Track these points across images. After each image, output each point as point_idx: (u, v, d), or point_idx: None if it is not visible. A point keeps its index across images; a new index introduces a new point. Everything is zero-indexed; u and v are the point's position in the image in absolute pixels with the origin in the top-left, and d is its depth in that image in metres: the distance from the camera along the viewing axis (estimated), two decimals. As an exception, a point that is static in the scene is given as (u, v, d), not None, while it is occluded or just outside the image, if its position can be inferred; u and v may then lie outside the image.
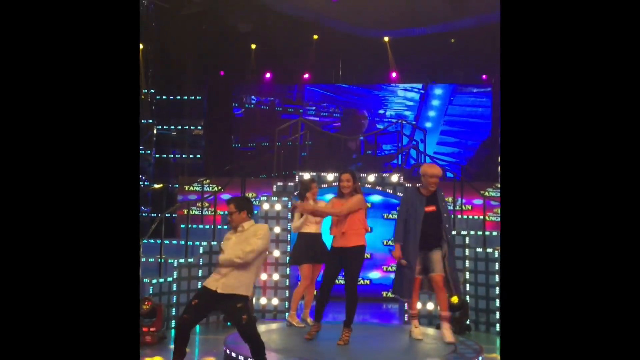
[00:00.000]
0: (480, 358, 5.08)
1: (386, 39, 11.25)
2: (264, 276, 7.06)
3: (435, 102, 11.49)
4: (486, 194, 10.00)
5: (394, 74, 11.90)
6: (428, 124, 11.50)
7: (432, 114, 11.48)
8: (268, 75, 12.37)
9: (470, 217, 9.21)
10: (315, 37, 11.26)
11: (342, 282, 5.54)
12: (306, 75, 12.12)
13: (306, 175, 8.01)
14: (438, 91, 11.61)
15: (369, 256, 8.90)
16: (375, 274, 9.00)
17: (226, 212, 4.76)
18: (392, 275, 8.63)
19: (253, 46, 11.79)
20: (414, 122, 11.30)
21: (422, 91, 11.53)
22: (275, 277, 7.04)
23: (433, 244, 5.31)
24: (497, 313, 7.16)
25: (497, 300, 7.17)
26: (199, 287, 4.73)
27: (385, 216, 8.98)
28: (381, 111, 11.75)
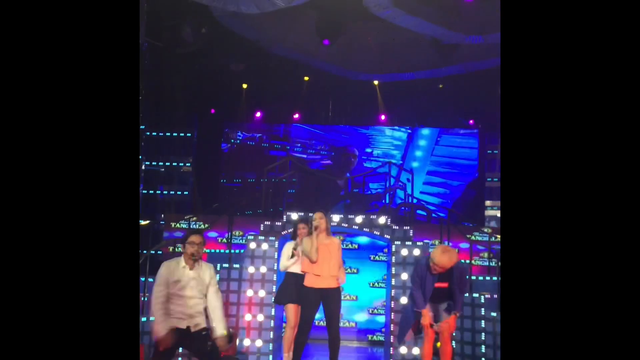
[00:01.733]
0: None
1: (376, 82, 11.47)
2: (248, 317, 6.96)
3: (422, 142, 11.71)
4: (473, 237, 10.04)
5: (382, 117, 12.08)
6: (415, 164, 11.67)
7: (419, 153, 11.67)
8: (258, 114, 12.50)
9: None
10: (306, 78, 11.45)
11: (323, 324, 5.54)
12: (296, 115, 12.27)
13: (294, 216, 8.02)
14: (425, 131, 11.83)
15: (355, 298, 8.82)
16: (361, 317, 8.90)
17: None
18: (378, 318, 8.57)
19: (245, 86, 11.95)
20: (400, 162, 11.41)
21: (409, 131, 11.73)
22: (260, 317, 6.94)
23: (443, 299, 5.22)
24: None
25: (483, 347, 7.11)
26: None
27: (372, 258, 8.95)
28: (369, 150, 11.89)
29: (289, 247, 6.04)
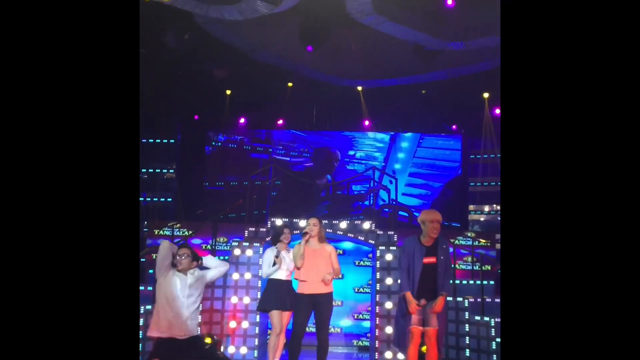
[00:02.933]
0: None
1: (359, 88, 11.52)
2: (232, 324, 6.93)
3: (404, 144, 11.83)
4: (456, 242, 10.12)
5: (366, 122, 12.14)
6: (397, 166, 11.78)
7: (401, 156, 11.79)
8: (242, 120, 12.48)
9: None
10: (290, 84, 11.46)
11: (313, 329, 5.52)
12: (280, 122, 12.27)
13: (278, 221, 8.00)
14: (407, 134, 11.95)
15: (340, 303, 8.82)
16: (346, 322, 8.90)
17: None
18: (364, 323, 8.58)
19: (228, 92, 11.93)
20: (383, 164, 11.49)
21: (391, 133, 11.80)
22: (245, 324, 6.92)
23: (432, 296, 5.07)
24: (468, 363, 7.14)
25: (467, 351, 7.15)
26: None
27: (357, 263, 8.97)
28: (351, 152, 11.96)
29: (270, 253, 6.01)
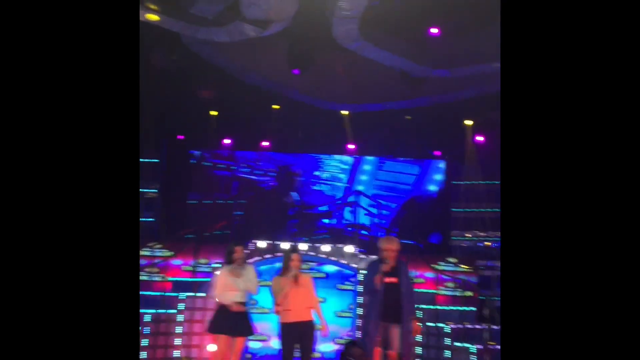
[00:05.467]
0: None
1: (345, 112, 11.61)
2: (212, 347, 6.83)
3: (367, 167, 12.15)
4: (437, 267, 10.13)
5: (352, 146, 12.21)
6: (360, 187, 12.15)
7: (364, 178, 12.09)
8: (228, 141, 12.46)
9: (423, 290, 9.26)
10: (276, 106, 11.50)
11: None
12: (266, 143, 12.28)
13: (263, 243, 7.98)
14: (369, 157, 12.22)
15: (324, 328, 8.73)
16: (327, 347, 8.83)
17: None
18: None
19: (214, 113, 11.93)
20: (347, 185, 11.84)
21: (355, 156, 12.08)
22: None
23: (393, 317, 5.29)
24: (448, 389, 7.11)
25: (448, 376, 7.14)
26: None
27: (340, 287, 8.93)
28: (316, 172, 12.14)
29: (224, 274, 5.70)
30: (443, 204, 11.89)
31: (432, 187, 11.99)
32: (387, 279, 5.37)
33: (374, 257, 7.74)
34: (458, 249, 11.62)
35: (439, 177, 11.87)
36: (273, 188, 12.13)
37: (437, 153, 12.44)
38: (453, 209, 12.02)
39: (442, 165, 12.18)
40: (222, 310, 5.58)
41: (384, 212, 11.85)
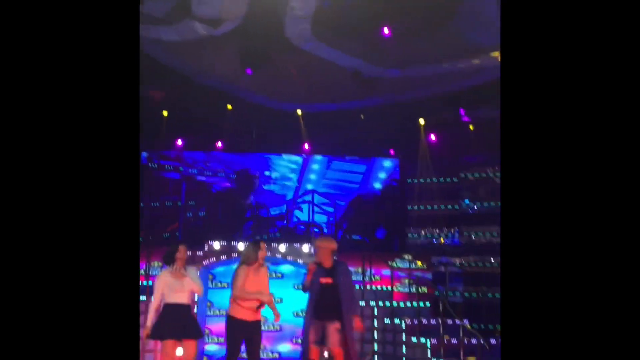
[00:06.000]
0: None
1: (299, 112, 11.60)
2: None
3: (315, 167, 12.34)
4: (394, 265, 10.27)
5: (306, 146, 12.22)
6: (309, 186, 12.31)
7: (312, 177, 12.29)
8: (180, 142, 12.25)
9: (379, 287, 9.37)
10: (229, 106, 11.39)
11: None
12: (219, 144, 12.14)
13: (217, 245, 7.89)
14: (318, 157, 12.41)
15: (278, 328, 8.71)
16: (285, 347, 8.80)
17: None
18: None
19: (165, 113, 11.70)
20: (297, 184, 12.03)
21: (304, 156, 12.23)
22: (179, 351, 6.67)
23: (330, 316, 5.33)
24: (405, 385, 7.20)
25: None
26: None
27: (297, 287, 8.92)
28: (267, 173, 12.25)
29: (166, 276, 5.46)
30: (388, 201, 12.16)
31: (378, 185, 12.32)
32: (324, 279, 5.44)
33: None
34: (413, 246, 11.82)
35: (383, 175, 12.20)
36: (228, 189, 12.01)
37: (391, 152, 12.60)
38: (408, 207, 12.22)
39: (387, 163, 12.46)
40: (167, 314, 5.35)
41: (332, 209, 12.15)
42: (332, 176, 12.31)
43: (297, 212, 11.88)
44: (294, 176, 12.29)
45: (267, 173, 12.27)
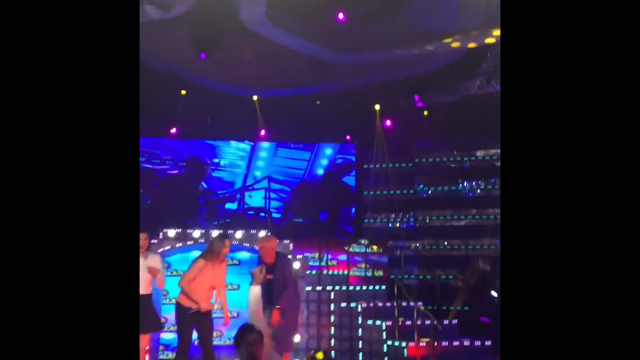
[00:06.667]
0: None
1: (255, 97, 11.51)
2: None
3: (263, 154, 12.49)
4: (350, 249, 10.36)
5: (262, 132, 12.15)
6: (257, 173, 12.47)
7: (260, 164, 12.44)
8: (132, 128, 11.98)
9: (336, 272, 9.45)
10: (183, 92, 11.19)
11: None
12: (173, 130, 11.93)
13: (172, 232, 7.77)
14: (265, 144, 12.54)
15: (235, 315, 8.69)
16: (241, 333, 8.78)
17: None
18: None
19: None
20: (245, 171, 12.26)
21: (251, 143, 12.39)
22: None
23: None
24: (361, 367, 7.33)
25: (361, 354, 7.34)
26: None
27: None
28: (216, 160, 12.26)
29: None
30: (331, 185, 12.44)
31: (320, 171, 12.60)
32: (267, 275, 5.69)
33: None
34: (369, 231, 11.96)
35: (325, 161, 12.56)
36: (178, 177, 11.96)
37: (348, 137, 12.66)
38: (364, 192, 12.34)
39: (328, 151, 12.67)
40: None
41: (279, 195, 12.41)
42: (279, 163, 12.51)
43: (246, 198, 12.17)
44: (242, 163, 12.38)
45: (215, 160, 12.30)
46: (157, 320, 5.32)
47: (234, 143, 12.41)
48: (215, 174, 12.28)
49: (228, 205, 12.10)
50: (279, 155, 12.53)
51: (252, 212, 11.90)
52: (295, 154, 12.60)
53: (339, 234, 12.00)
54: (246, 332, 3.44)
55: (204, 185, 12.10)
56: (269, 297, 5.61)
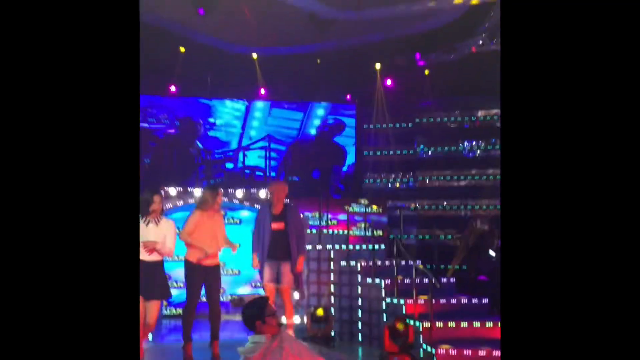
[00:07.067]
0: (342, 367, 5.27)
1: (254, 55, 11.35)
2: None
3: (257, 114, 12.52)
4: (350, 209, 10.43)
5: (262, 91, 12.03)
6: (253, 132, 12.54)
7: (255, 124, 12.51)
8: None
9: (336, 231, 9.54)
10: (182, 49, 11.03)
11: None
12: (173, 88, 11.81)
13: (173, 190, 7.81)
14: (259, 104, 12.53)
15: (237, 272, 8.81)
16: (244, 290, 8.94)
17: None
18: (260, 291, 8.66)
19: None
20: (241, 131, 12.34)
21: (246, 103, 12.39)
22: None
23: (282, 256, 5.82)
24: (359, 323, 7.47)
25: (360, 311, 7.47)
26: None
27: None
28: (211, 119, 12.29)
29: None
30: (323, 145, 12.54)
31: (313, 131, 12.69)
32: (275, 224, 5.82)
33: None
34: (369, 191, 12.01)
35: (317, 122, 12.63)
36: (174, 136, 11.99)
37: (348, 97, 12.55)
38: (365, 153, 12.33)
39: (320, 111, 12.65)
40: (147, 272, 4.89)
41: (275, 154, 12.56)
42: (272, 123, 12.57)
43: (242, 157, 12.33)
44: (238, 123, 12.41)
45: (211, 120, 12.30)
46: (167, 288, 5.21)
47: (228, 102, 12.38)
48: (211, 133, 12.32)
49: (226, 165, 12.26)
50: (273, 115, 12.58)
51: (248, 172, 12.11)
52: (288, 114, 12.66)
53: (331, 191, 12.20)
54: (257, 307, 3.50)
55: (199, 144, 12.15)
56: (287, 244, 5.79)
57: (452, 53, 10.55)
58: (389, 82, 11.99)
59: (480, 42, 10.30)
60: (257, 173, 12.28)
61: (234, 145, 12.32)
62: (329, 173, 12.58)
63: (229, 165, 12.25)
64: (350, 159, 12.63)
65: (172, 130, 12.09)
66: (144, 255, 4.94)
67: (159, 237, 5.04)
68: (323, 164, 12.49)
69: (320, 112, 12.64)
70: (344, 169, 12.60)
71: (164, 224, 5.19)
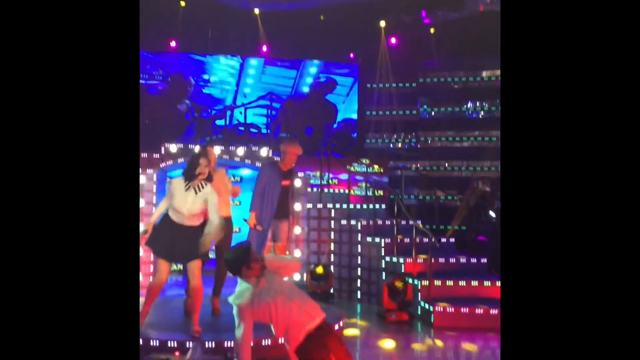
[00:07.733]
0: (341, 323, 5.36)
1: (256, 11, 11.13)
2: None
3: (252, 71, 12.39)
4: (352, 169, 10.43)
5: (264, 48, 11.85)
6: (247, 90, 12.44)
7: (250, 81, 12.41)
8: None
9: (337, 191, 9.55)
10: (183, 4, 10.81)
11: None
12: (173, 44, 11.63)
13: (174, 148, 7.79)
14: (254, 62, 12.34)
15: (237, 230, 8.86)
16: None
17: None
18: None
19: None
20: (235, 88, 12.26)
21: (240, 61, 12.25)
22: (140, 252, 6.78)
23: (283, 215, 5.83)
24: (359, 281, 7.56)
25: (359, 269, 7.55)
26: None
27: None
28: (205, 76, 12.18)
29: (181, 186, 4.58)
30: (315, 103, 12.48)
31: (306, 89, 12.60)
32: (285, 181, 5.78)
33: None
34: (371, 151, 11.97)
35: (310, 80, 12.53)
36: (163, 92, 11.97)
37: (351, 55, 12.35)
38: (367, 112, 12.23)
39: (313, 69, 12.50)
40: (163, 227, 4.66)
41: (269, 111, 12.55)
42: (266, 80, 12.48)
43: (237, 114, 12.30)
44: (232, 80, 12.29)
45: (205, 76, 12.16)
46: (196, 252, 4.92)
47: (223, 59, 12.22)
48: (205, 90, 12.21)
49: (216, 122, 12.20)
50: (266, 73, 12.46)
51: (242, 129, 12.12)
52: (282, 72, 12.56)
53: (323, 145, 12.23)
54: (242, 250, 3.50)
55: (188, 102, 12.08)
56: (287, 202, 5.87)
57: (459, 11, 10.33)
58: (393, 40, 11.78)
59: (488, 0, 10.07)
60: (252, 130, 12.33)
61: (228, 102, 12.27)
62: (321, 130, 12.64)
63: (220, 123, 12.20)
64: (341, 116, 12.60)
65: (165, 87, 12.03)
66: (186, 220, 4.61)
67: (195, 205, 4.60)
68: (315, 121, 12.54)
69: (313, 70, 12.51)
70: (335, 125, 12.63)
71: (205, 191, 4.61)
